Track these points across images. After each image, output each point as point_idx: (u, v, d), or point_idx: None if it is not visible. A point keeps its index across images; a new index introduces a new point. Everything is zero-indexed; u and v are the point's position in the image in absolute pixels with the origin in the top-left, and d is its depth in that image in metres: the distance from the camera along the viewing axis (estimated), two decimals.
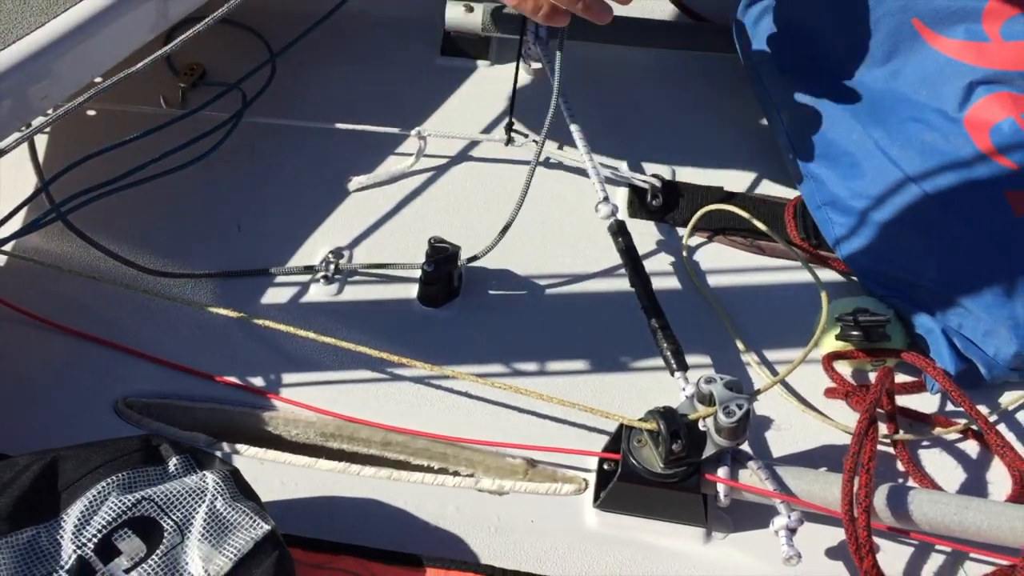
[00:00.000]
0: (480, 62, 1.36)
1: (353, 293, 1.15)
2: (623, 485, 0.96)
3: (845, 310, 1.11)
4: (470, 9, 1.31)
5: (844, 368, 1.11)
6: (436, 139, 1.25)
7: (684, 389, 0.98)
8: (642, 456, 0.95)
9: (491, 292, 1.16)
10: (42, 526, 0.79)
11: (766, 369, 1.11)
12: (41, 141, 1.24)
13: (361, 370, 1.09)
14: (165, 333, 1.11)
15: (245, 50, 1.32)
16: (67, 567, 0.78)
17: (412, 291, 1.15)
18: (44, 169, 1.18)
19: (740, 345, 1.12)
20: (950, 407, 1.09)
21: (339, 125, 1.25)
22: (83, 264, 1.14)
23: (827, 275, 1.17)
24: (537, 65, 1.31)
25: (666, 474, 0.94)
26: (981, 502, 0.94)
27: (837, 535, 0.97)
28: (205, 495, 0.82)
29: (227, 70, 1.30)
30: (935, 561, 0.98)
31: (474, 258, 1.14)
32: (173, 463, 0.85)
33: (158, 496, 0.82)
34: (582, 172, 1.19)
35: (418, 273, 1.13)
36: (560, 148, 1.27)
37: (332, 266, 1.16)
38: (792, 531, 0.92)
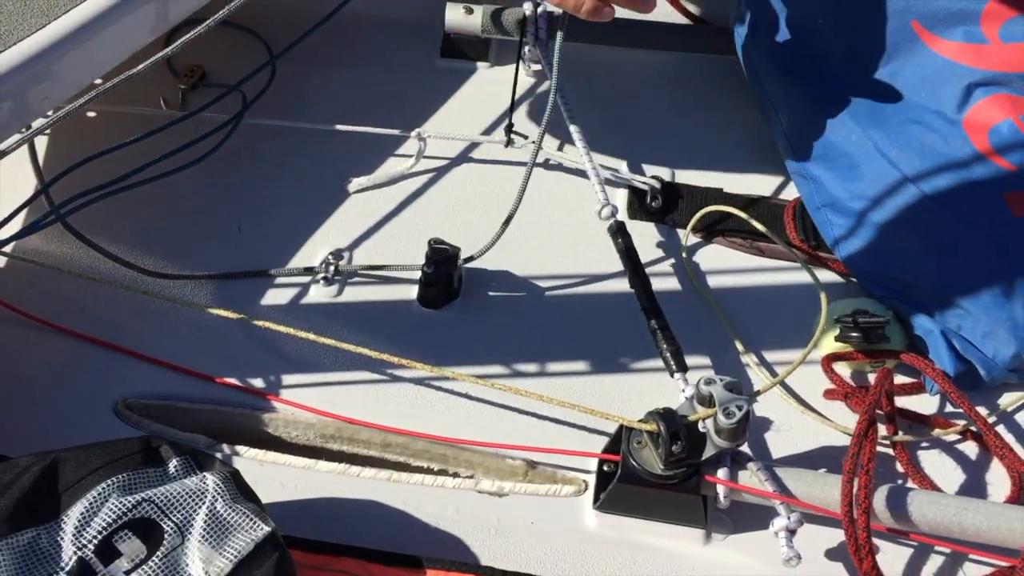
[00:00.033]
0: (480, 64, 1.36)
1: (353, 294, 1.16)
2: (623, 486, 0.96)
3: (844, 311, 1.11)
4: (470, 11, 1.31)
5: (843, 369, 1.11)
6: (436, 140, 1.25)
7: (684, 390, 0.98)
8: (642, 457, 0.95)
9: (491, 293, 1.16)
10: (42, 528, 0.79)
11: (765, 370, 1.11)
12: (41, 142, 1.24)
13: (361, 371, 1.09)
14: (165, 334, 1.11)
15: (245, 52, 1.32)
16: (67, 569, 0.78)
17: (412, 292, 1.15)
18: (44, 170, 1.18)
19: (739, 346, 1.12)
20: (949, 408, 1.09)
21: (339, 127, 1.26)
22: (83, 265, 1.14)
23: (826, 276, 1.18)
24: (537, 67, 1.31)
25: (666, 475, 0.94)
26: (980, 503, 0.94)
27: (837, 536, 0.97)
28: (205, 497, 0.82)
29: (227, 72, 1.30)
30: (934, 562, 0.99)
31: (470, 258, 1.14)
32: (173, 465, 0.85)
33: (158, 498, 0.82)
34: (582, 173, 1.19)
35: (418, 274, 1.13)
36: (560, 149, 1.27)
37: (332, 267, 1.16)
38: (792, 532, 0.92)
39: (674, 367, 1.00)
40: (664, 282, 1.17)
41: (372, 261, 1.17)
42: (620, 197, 1.24)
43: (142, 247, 1.17)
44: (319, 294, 1.15)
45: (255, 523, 0.82)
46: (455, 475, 1.04)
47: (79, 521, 0.79)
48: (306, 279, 1.16)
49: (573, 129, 1.17)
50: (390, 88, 1.33)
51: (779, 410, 1.08)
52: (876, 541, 0.92)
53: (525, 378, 1.10)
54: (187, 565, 0.79)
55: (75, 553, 0.78)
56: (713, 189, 1.25)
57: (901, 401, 1.08)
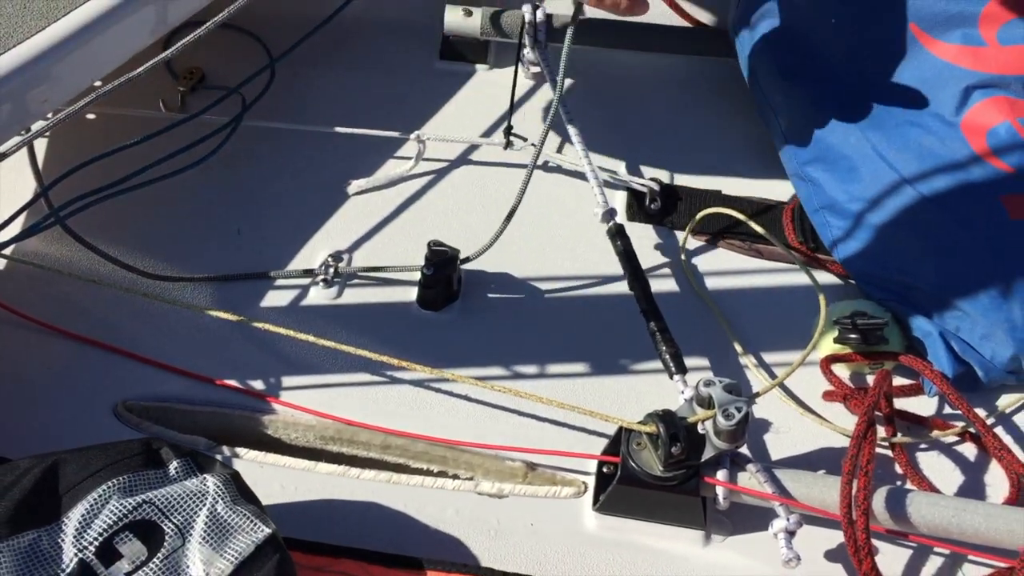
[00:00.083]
0: (479, 66, 1.37)
1: (352, 296, 1.16)
2: (622, 488, 0.96)
3: (843, 313, 1.11)
4: (469, 13, 1.31)
5: (842, 371, 1.11)
6: (435, 143, 1.26)
7: (683, 392, 0.98)
8: (641, 459, 0.95)
9: (490, 295, 1.16)
10: (43, 529, 0.79)
11: (764, 372, 1.11)
12: (40, 144, 1.24)
13: (360, 373, 1.09)
14: (164, 336, 1.11)
15: (244, 54, 1.32)
16: (68, 570, 0.78)
17: (411, 294, 1.15)
18: (43, 172, 1.18)
19: (738, 348, 1.13)
20: (948, 410, 1.09)
21: (338, 129, 1.26)
22: (83, 268, 1.14)
23: (825, 278, 1.18)
24: (535, 69, 1.31)
25: (665, 477, 0.94)
26: (979, 504, 0.94)
27: (836, 537, 0.97)
28: (206, 498, 0.83)
29: (226, 74, 1.30)
30: (933, 563, 0.99)
31: (467, 259, 1.15)
32: (174, 466, 0.85)
33: (159, 499, 0.82)
34: (581, 176, 1.19)
35: (417, 276, 1.14)
36: (559, 151, 1.27)
37: (331, 270, 1.16)
38: (791, 534, 0.92)
39: (673, 369, 1.00)
40: (663, 284, 1.17)
41: (371, 263, 1.17)
42: (619, 199, 1.25)
43: (141, 249, 1.17)
44: (318, 296, 1.15)
45: (256, 525, 0.82)
46: (455, 477, 1.04)
47: (80, 523, 0.79)
48: (306, 281, 1.16)
49: (572, 131, 1.17)
50: (389, 90, 1.34)
51: (778, 412, 1.08)
52: (875, 542, 0.92)
53: (524, 380, 1.10)
54: (188, 567, 0.79)
55: (76, 555, 0.78)
56: (712, 191, 1.25)
57: (900, 403, 1.09)
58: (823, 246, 1.19)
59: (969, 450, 1.07)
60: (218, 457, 1.00)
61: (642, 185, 1.24)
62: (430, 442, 1.04)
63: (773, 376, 1.10)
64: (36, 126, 1.02)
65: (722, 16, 1.39)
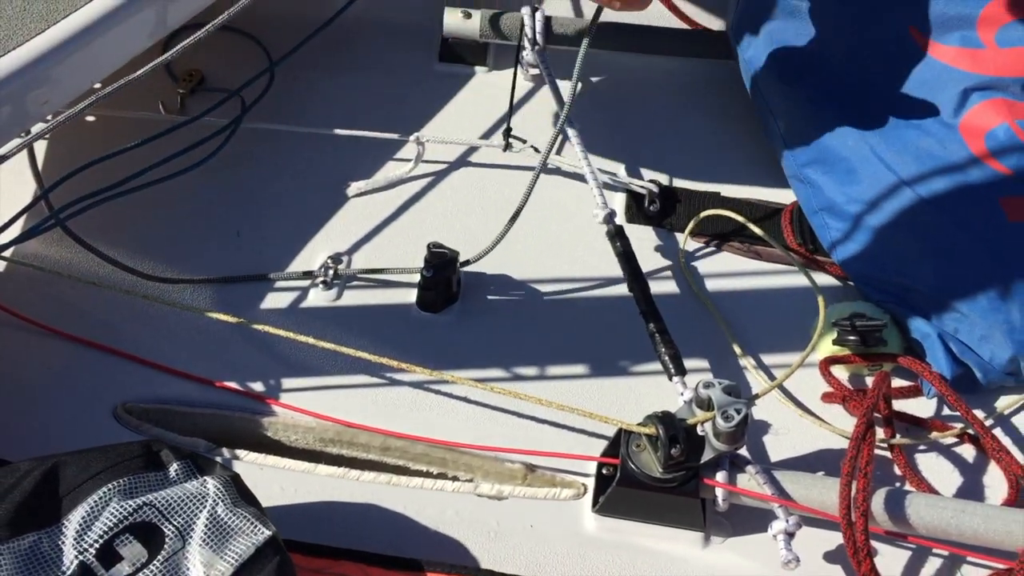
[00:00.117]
0: (478, 68, 1.37)
1: (352, 298, 1.16)
2: (622, 490, 0.96)
3: (842, 315, 1.11)
4: (468, 16, 1.32)
5: (841, 373, 1.11)
6: (434, 145, 1.26)
7: (682, 394, 0.98)
8: (641, 461, 0.96)
9: (490, 297, 1.16)
10: (43, 532, 0.80)
11: (764, 374, 1.11)
12: (40, 146, 1.24)
13: (360, 375, 1.09)
14: (164, 338, 1.11)
15: (243, 56, 1.32)
16: (69, 573, 0.78)
17: (411, 296, 1.15)
18: (43, 174, 1.18)
19: (738, 350, 1.13)
20: (946, 411, 1.10)
21: (338, 131, 1.26)
22: (83, 270, 1.14)
23: (824, 280, 1.18)
24: (534, 71, 1.31)
25: (665, 479, 0.94)
26: (978, 506, 0.94)
27: (835, 539, 0.97)
28: (206, 500, 0.83)
29: (225, 76, 1.30)
30: (932, 564, 0.99)
31: (467, 262, 1.15)
32: (174, 469, 0.85)
33: (159, 501, 0.82)
34: (580, 178, 1.19)
35: (417, 278, 1.14)
36: (558, 153, 1.27)
37: (331, 271, 1.16)
38: (790, 535, 0.92)
39: (673, 370, 1.00)
40: (662, 286, 1.17)
41: (371, 265, 1.18)
42: (618, 201, 1.25)
43: (141, 251, 1.17)
44: (318, 298, 1.15)
45: (256, 527, 0.82)
46: (454, 479, 1.04)
47: (80, 525, 0.80)
48: (305, 283, 1.16)
49: (571, 133, 1.17)
50: (389, 92, 1.34)
51: (777, 413, 1.08)
52: (874, 544, 0.92)
53: (524, 382, 1.10)
54: (188, 569, 0.79)
55: (76, 557, 0.79)
56: (711, 193, 1.26)
57: (898, 404, 1.09)
58: (822, 248, 1.19)
59: (968, 451, 1.07)
60: (218, 459, 1.00)
61: (641, 187, 1.24)
62: (430, 444, 1.04)
63: (772, 378, 1.11)
64: (36, 128, 1.02)
65: (721, 19, 1.39)
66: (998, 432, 1.08)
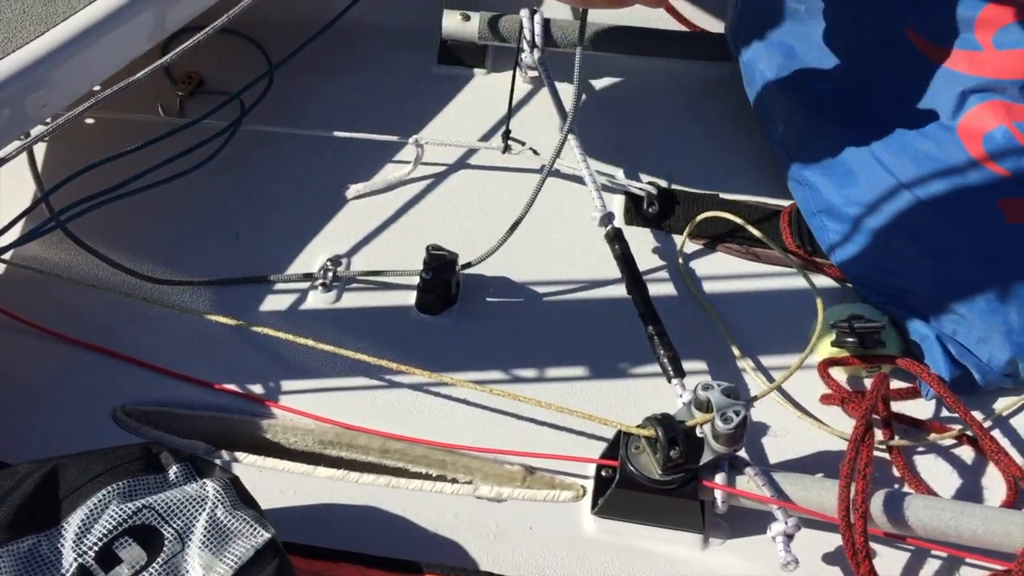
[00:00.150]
0: (477, 70, 1.37)
1: (351, 300, 1.16)
2: (621, 492, 0.96)
3: (840, 317, 1.11)
4: (467, 18, 1.32)
5: (840, 374, 1.12)
6: (433, 147, 1.26)
7: (681, 396, 0.99)
8: (640, 463, 0.96)
9: (489, 299, 1.17)
10: (43, 534, 0.80)
11: (762, 376, 1.11)
12: (39, 148, 1.24)
13: (359, 377, 1.09)
14: (164, 341, 1.11)
15: (242, 58, 1.32)
16: (68, 575, 0.78)
17: (410, 298, 1.15)
18: (43, 176, 1.19)
19: (736, 352, 1.13)
20: (945, 413, 1.10)
21: (337, 133, 1.26)
22: (82, 272, 1.14)
23: (822, 282, 1.18)
24: (533, 73, 1.32)
25: (664, 481, 0.94)
26: (976, 507, 0.94)
27: (834, 541, 0.97)
28: (205, 503, 0.83)
29: (225, 78, 1.30)
30: (931, 566, 0.99)
31: (468, 264, 1.15)
32: (173, 471, 0.85)
33: (159, 504, 0.82)
34: (579, 180, 1.20)
35: (416, 280, 1.14)
36: (557, 156, 1.27)
37: (330, 274, 1.16)
38: (789, 537, 0.92)
39: (671, 373, 1.00)
40: (661, 288, 1.17)
41: (370, 267, 1.18)
42: (617, 203, 1.25)
43: (141, 253, 1.17)
44: (317, 300, 1.15)
45: (255, 529, 0.82)
46: (453, 481, 1.04)
47: (79, 528, 0.80)
48: (305, 285, 1.16)
49: (570, 136, 1.17)
50: (387, 95, 1.34)
51: (776, 415, 1.08)
52: (873, 545, 0.92)
53: (523, 384, 1.10)
54: (187, 572, 0.79)
55: (76, 560, 0.79)
56: (709, 195, 1.26)
57: (897, 406, 1.09)
58: (820, 250, 1.19)
59: (966, 453, 1.07)
60: (217, 462, 1.00)
61: (640, 189, 1.24)
62: (429, 446, 1.04)
63: (771, 380, 1.11)
64: (36, 131, 1.03)
65: (720, 21, 1.39)
66: (996, 434, 1.08)
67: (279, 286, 1.16)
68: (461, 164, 1.28)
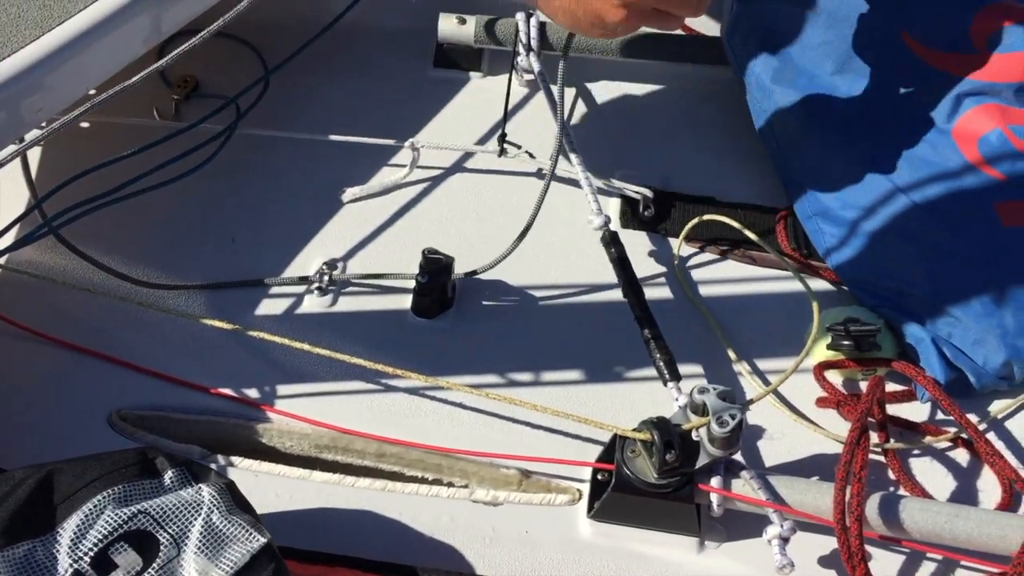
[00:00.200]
0: (473, 74, 1.37)
1: (347, 304, 1.16)
2: (617, 495, 0.96)
3: (836, 320, 1.11)
4: (463, 21, 1.32)
5: (835, 377, 1.12)
6: (429, 150, 1.26)
7: (677, 399, 0.99)
8: (636, 466, 0.96)
9: (485, 303, 1.17)
10: (38, 540, 0.79)
11: (758, 379, 1.11)
12: (34, 152, 1.24)
13: (355, 381, 1.09)
14: (159, 345, 1.11)
15: (238, 61, 1.32)
16: None
17: (406, 302, 1.15)
18: (37, 179, 1.18)
19: (732, 355, 1.13)
20: (940, 416, 1.10)
21: (332, 136, 1.26)
22: (77, 277, 1.14)
23: (818, 285, 1.18)
24: (529, 76, 1.32)
25: (660, 484, 0.94)
26: (971, 510, 0.94)
27: (830, 544, 0.97)
28: (201, 508, 0.83)
29: (220, 82, 1.30)
30: (926, 569, 0.99)
31: (474, 272, 1.15)
32: (169, 476, 0.85)
33: (154, 509, 0.82)
34: (575, 183, 1.20)
35: (412, 284, 1.14)
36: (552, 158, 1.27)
37: (326, 277, 1.16)
38: (785, 540, 0.92)
39: (667, 376, 1.01)
40: (657, 291, 1.17)
41: (366, 271, 1.18)
42: (613, 206, 1.25)
43: (136, 258, 1.17)
44: (313, 304, 1.15)
45: (251, 534, 0.82)
46: (449, 485, 1.04)
47: (75, 533, 0.79)
48: (300, 289, 1.16)
49: (566, 139, 1.17)
50: (383, 98, 1.34)
51: (772, 418, 1.08)
52: (868, 548, 0.92)
53: (519, 387, 1.10)
54: None
55: (71, 565, 0.78)
56: (705, 198, 1.26)
57: (892, 409, 1.09)
58: (816, 253, 1.19)
59: (962, 456, 1.07)
60: (213, 466, 1.00)
61: (636, 192, 1.24)
62: (425, 450, 1.04)
63: (767, 383, 1.11)
64: (30, 135, 1.02)
65: (716, 24, 1.39)
66: (992, 436, 1.07)
67: (275, 290, 1.16)
68: (457, 167, 1.28)
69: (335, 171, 1.26)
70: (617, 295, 1.08)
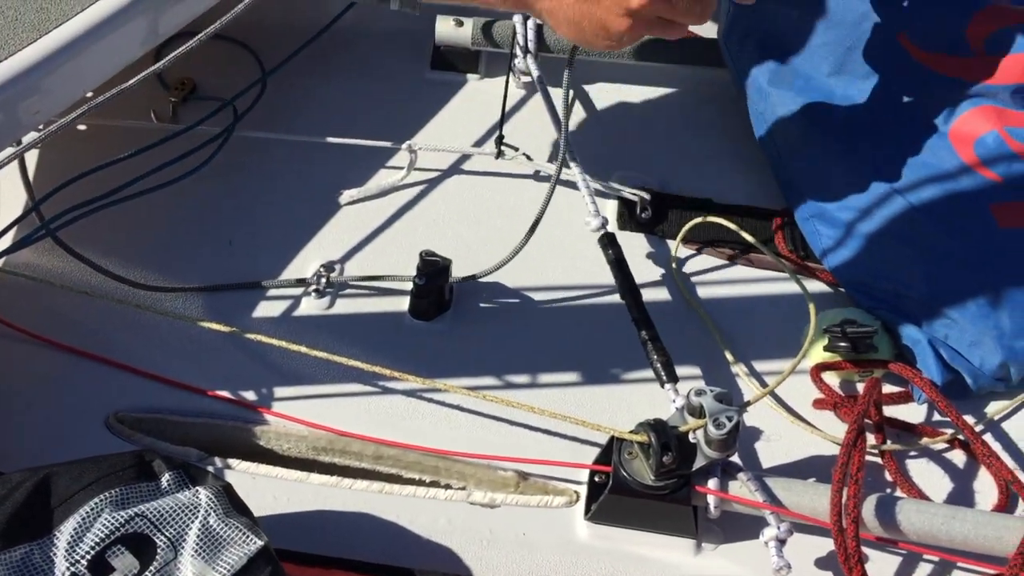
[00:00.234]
0: (470, 76, 1.37)
1: (345, 306, 1.16)
2: (614, 497, 0.97)
3: (833, 321, 1.12)
4: (460, 23, 1.32)
5: (832, 379, 1.12)
6: (427, 152, 1.26)
7: (674, 401, 0.99)
8: (633, 468, 0.96)
9: (482, 305, 1.17)
10: (35, 543, 0.79)
11: (755, 380, 1.12)
12: (31, 155, 1.24)
13: (353, 384, 1.09)
14: (157, 348, 1.11)
15: (235, 64, 1.32)
16: None
17: (403, 304, 1.15)
18: (34, 182, 1.18)
19: (729, 356, 1.13)
20: (937, 417, 1.10)
21: (330, 139, 1.26)
22: (74, 279, 1.14)
23: (815, 286, 1.18)
24: (526, 78, 1.32)
25: (657, 486, 0.95)
26: (968, 512, 0.94)
27: (826, 545, 0.97)
28: (198, 511, 0.83)
29: (218, 84, 1.30)
30: (923, 570, 0.99)
31: (472, 277, 1.15)
32: (166, 479, 0.85)
33: (151, 512, 0.82)
34: (572, 185, 1.20)
35: (409, 286, 1.14)
36: (550, 161, 1.27)
37: (324, 279, 1.16)
38: (782, 542, 0.92)
39: (664, 378, 1.01)
40: (654, 293, 1.17)
41: (364, 273, 1.18)
42: (610, 208, 1.25)
43: (133, 260, 1.17)
44: (311, 306, 1.15)
45: (248, 537, 0.82)
46: (447, 487, 1.04)
47: (72, 536, 0.80)
48: (298, 291, 1.16)
49: (563, 141, 1.17)
50: (381, 100, 1.34)
51: (769, 420, 1.08)
52: (865, 550, 0.93)
53: (516, 389, 1.10)
54: None
55: (68, 569, 0.78)
56: (702, 200, 1.26)
57: (889, 410, 1.09)
58: (813, 255, 1.19)
59: (958, 457, 1.07)
60: (210, 468, 1.00)
61: (633, 194, 1.24)
62: (422, 452, 1.05)
63: (764, 384, 1.11)
64: (28, 138, 1.02)
65: (713, 25, 1.39)
66: (988, 438, 1.08)
67: (272, 292, 1.16)
68: (454, 170, 1.28)
69: (332, 173, 1.26)
70: (614, 297, 1.08)
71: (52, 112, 1.04)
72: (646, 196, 1.24)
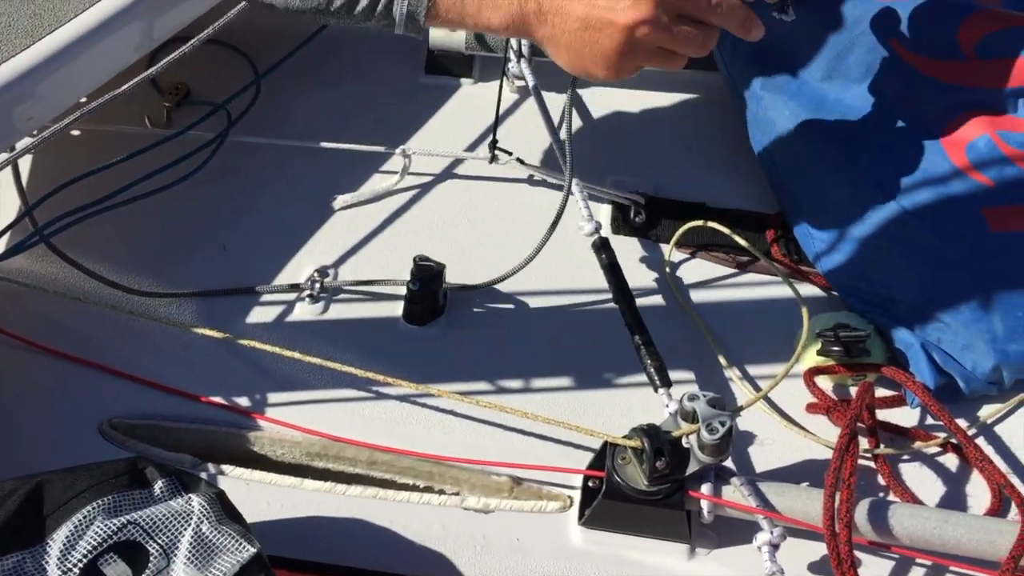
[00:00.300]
0: (464, 80, 1.37)
1: (338, 312, 1.16)
2: (608, 502, 0.97)
3: (826, 325, 1.12)
4: (454, 28, 1.32)
5: (825, 383, 1.12)
6: (420, 157, 1.26)
7: (668, 406, 0.99)
8: (626, 473, 0.96)
9: (476, 310, 1.17)
10: (27, 551, 0.79)
11: (748, 385, 1.12)
12: (24, 160, 1.23)
13: (346, 389, 1.09)
14: (150, 354, 1.11)
15: (229, 68, 1.32)
16: None
17: (397, 309, 1.15)
18: (28, 188, 1.18)
19: (723, 361, 1.13)
20: (930, 421, 1.10)
21: (324, 144, 1.26)
22: (68, 285, 1.14)
23: (808, 290, 1.19)
24: (520, 83, 1.32)
25: (650, 491, 0.95)
26: (961, 516, 0.95)
27: (819, 550, 0.97)
28: (191, 518, 0.83)
29: (211, 89, 1.30)
30: (916, 574, 0.99)
31: (475, 287, 1.15)
32: (159, 486, 0.85)
33: (144, 520, 0.82)
34: None
35: (403, 291, 1.14)
36: (545, 165, 1.28)
37: (317, 284, 1.16)
38: (775, 547, 0.93)
39: (658, 382, 1.01)
40: (648, 297, 1.18)
41: (357, 278, 1.18)
42: (604, 212, 1.25)
43: (126, 266, 1.17)
44: (304, 311, 1.15)
45: (240, 544, 0.82)
46: (441, 492, 1.04)
47: (64, 544, 0.79)
48: (291, 296, 1.16)
49: (557, 145, 1.18)
50: (374, 105, 1.34)
51: (762, 425, 1.09)
52: (858, 554, 0.93)
53: (510, 395, 1.10)
54: None
55: None
56: (696, 204, 1.26)
57: (882, 414, 1.09)
58: (806, 258, 1.19)
59: (951, 461, 1.08)
60: (203, 475, 1.00)
61: (626, 198, 1.24)
62: (416, 457, 1.05)
63: (757, 389, 1.11)
64: (21, 144, 1.02)
65: None
66: (981, 441, 1.08)
67: (266, 297, 1.16)
68: (448, 174, 1.28)
69: (326, 178, 1.26)
70: (608, 301, 1.08)
71: (46, 118, 1.04)
72: (640, 200, 1.24)
